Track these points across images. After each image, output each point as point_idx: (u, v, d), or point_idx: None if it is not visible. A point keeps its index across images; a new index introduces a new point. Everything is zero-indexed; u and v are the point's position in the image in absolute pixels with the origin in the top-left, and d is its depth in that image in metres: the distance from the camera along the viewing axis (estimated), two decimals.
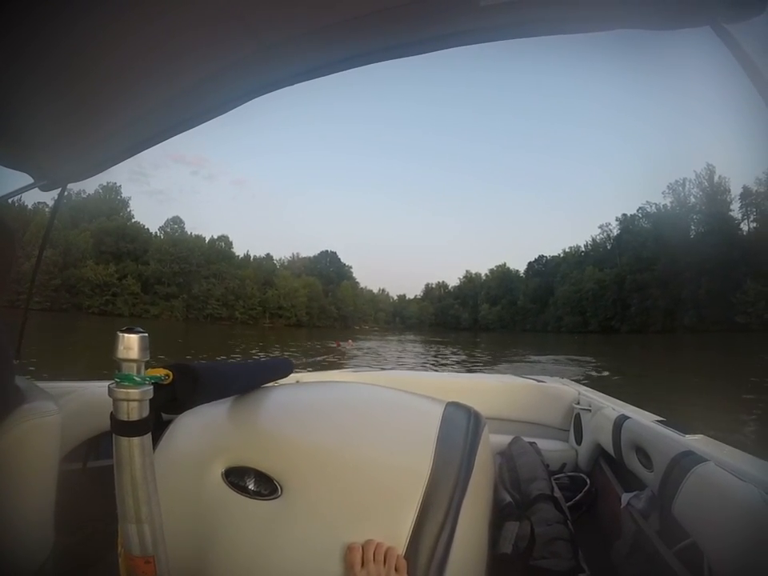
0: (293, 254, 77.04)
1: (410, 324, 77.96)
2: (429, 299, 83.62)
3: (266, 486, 0.73)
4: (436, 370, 11.95)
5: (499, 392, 2.08)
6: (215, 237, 64.01)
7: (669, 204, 54.50)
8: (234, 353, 15.36)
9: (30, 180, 1.33)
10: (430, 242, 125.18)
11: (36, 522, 0.80)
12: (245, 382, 0.95)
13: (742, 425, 6.16)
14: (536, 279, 67.88)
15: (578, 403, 1.90)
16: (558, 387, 2.08)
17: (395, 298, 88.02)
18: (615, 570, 1.20)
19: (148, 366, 0.50)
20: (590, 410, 1.76)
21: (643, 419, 1.38)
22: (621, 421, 1.42)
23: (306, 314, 63.13)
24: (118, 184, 60.73)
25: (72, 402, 1.22)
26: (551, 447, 1.83)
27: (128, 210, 60.80)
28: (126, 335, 0.46)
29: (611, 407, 1.61)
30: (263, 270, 64.99)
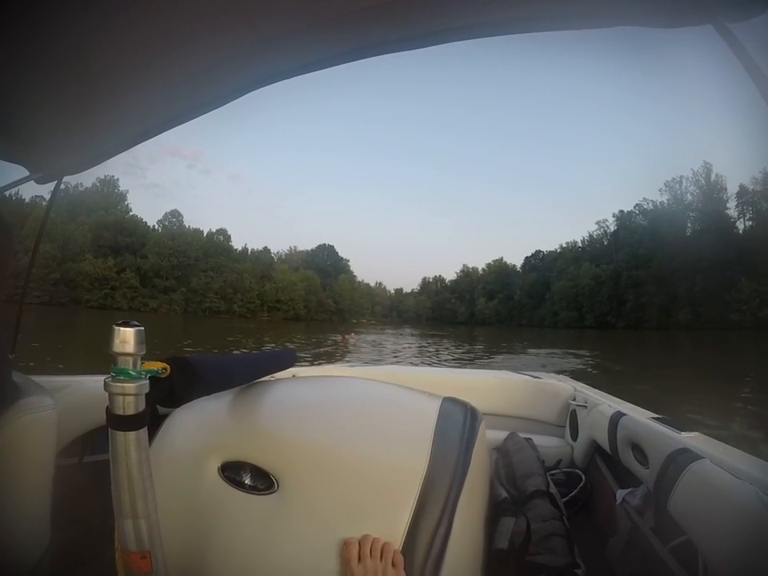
0: (290, 247, 76.92)
1: (406, 318, 78.10)
2: (426, 293, 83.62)
3: (262, 481, 0.72)
4: (433, 365, 12.00)
5: (495, 388, 2.09)
6: (213, 230, 63.77)
7: (665, 201, 54.58)
8: (244, 347, 15.41)
9: (25, 173, 1.31)
10: (427, 239, 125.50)
11: (33, 518, 0.79)
12: (245, 375, 0.94)
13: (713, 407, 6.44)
14: (533, 274, 67.85)
15: (574, 399, 1.91)
16: (554, 383, 2.09)
17: (392, 291, 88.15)
18: (610, 566, 1.22)
19: (148, 359, 0.50)
20: (585, 407, 1.77)
21: (639, 416, 1.39)
22: (617, 417, 1.42)
23: (304, 307, 63.10)
24: (115, 177, 60.38)
25: (68, 397, 1.21)
26: (547, 443, 1.84)
27: (126, 203, 60.52)
28: (121, 329, 0.46)
29: (607, 404, 1.62)
30: (261, 263, 64.70)
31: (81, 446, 1.28)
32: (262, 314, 59.23)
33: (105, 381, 0.47)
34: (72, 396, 1.23)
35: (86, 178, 55.75)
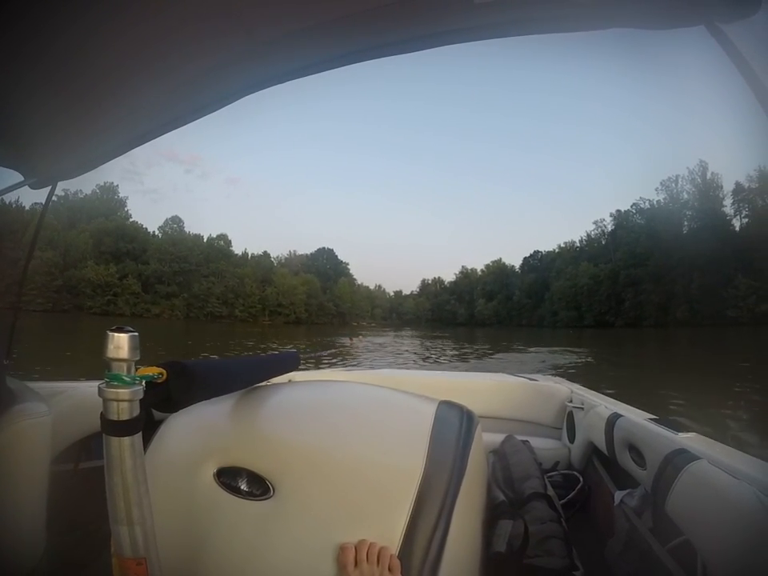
0: (290, 251, 77.07)
1: (406, 320, 78.08)
2: (425, 295, 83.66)
3: (258, 487, 0.72)
4: (434, 366, 12.03)
5: (492, 390, 2.09)
6: (213, 235, 64.09)
7: (662, 200, 54.87)
8: (249, 351, 15.55)
9: (19, 178, 1.30)
10: (425, 239, 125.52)
11: (28, 524, 0.79)
12: (246, 378, 0.93)
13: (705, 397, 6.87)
14: (531, 274, 68.02)
15: (571, 401, 1.91)
16: (550, 386, 2.09)
17: (392, 294, 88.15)
18: (609, 568, 1.21)
19: (152, 363, 0.52)
20: (582, 408, 1.77)
21: (636, 417, 1.39)
22: (613, 419, 1.42)
23: (305, 311, 63.22)
24: (114, 183, 60.68)
25: (63, 403, 1.21)
26: (544, 445, 1.84)
27: (125, 209, 60.75)
28: (115, 334, 0.46)
29: (604, 405, 1.62)
30: (261, 267, 64.85)
31: (77, 452, 1.27)
32: (263, 318, 59.32)
33: (99, 386, 0.47)
34: (67, 402, 1.23)
35: (86, 185, 56.04)
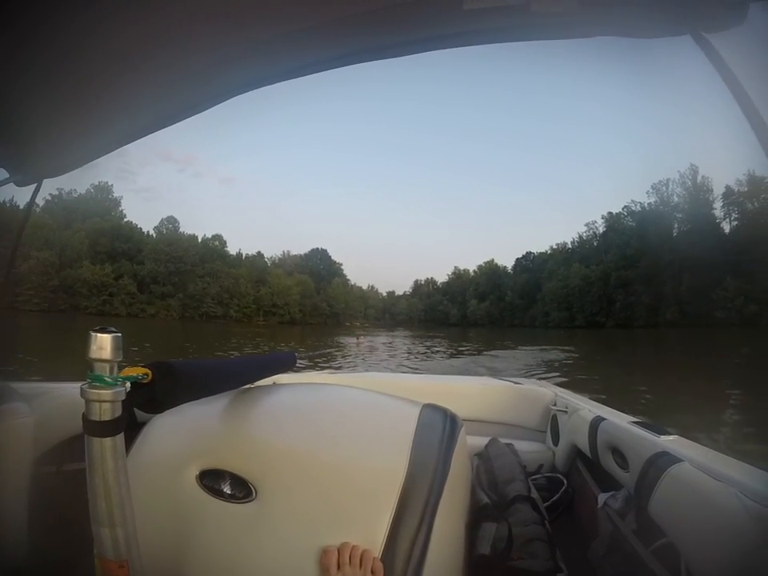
0: (284, 251, 76.44)
1: (399, 320, 77.99)
2: (418, 296, 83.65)
3: (240, 489, 0.72)
4: (421, 367, 12.07)
5: (476, 394, 2.09)
6: (208, 236, 63.62)
7: (653, 203, 55.47)
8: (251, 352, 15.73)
9: (4, 174, 1.27)
10: (418, 240, 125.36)
11: (10, 526, 0.78)
12: (235, 379, 0.93)
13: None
14: (524, 275, 68.33)
15: (555, 404, 1.92)
16: (534, 389, 2.10)
17: (384, 294, 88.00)
18: (593, 570, 1.22)
19: (145, 361, 0.52)
20: (566, 412, 1.78)
21: (619, 420, 1.40)
22: (597, 422, 1.43)
23: (299, 311, 63.12)
24: (109, 183, 60.07)
25: (46, 404, 1.19)
26: (528, 448, 1.85)
27: (120, 209, 60.18)
28: (98, 335, 0.45)
29: (587, 408, 1.63)
30: (256, 268, 64.57)
31: (60, 454, 1.25)
32: (258, 319, 59.06)
33: (81, 387, 0.47)
34: (51, 403, 1.21)
35: (80, 184, 55.53)
